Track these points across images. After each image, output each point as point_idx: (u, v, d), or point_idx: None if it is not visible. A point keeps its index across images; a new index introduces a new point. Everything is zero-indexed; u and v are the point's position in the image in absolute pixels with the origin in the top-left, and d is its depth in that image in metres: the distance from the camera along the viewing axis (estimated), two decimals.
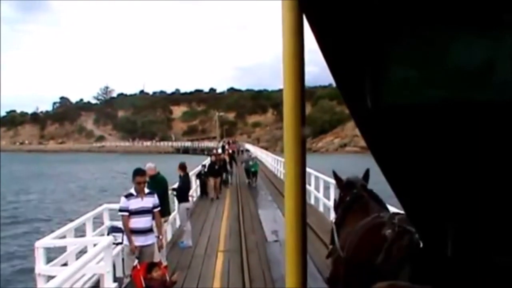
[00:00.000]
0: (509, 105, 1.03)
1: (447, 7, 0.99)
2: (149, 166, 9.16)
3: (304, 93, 1.36)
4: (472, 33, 1.01)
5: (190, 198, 12.33)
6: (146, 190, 7.24)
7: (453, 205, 1.34)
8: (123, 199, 7.13)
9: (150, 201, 7.21)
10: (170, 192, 11.05)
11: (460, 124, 1.15)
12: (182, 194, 11.53)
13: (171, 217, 12.00)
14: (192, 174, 17.44)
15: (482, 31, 1.00)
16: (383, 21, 1.04)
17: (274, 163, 32.53)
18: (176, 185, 11.69)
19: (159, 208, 7.43)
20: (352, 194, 4.66)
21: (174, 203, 11.69)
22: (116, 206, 8.45)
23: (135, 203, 7.02)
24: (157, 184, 8.92)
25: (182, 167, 11.85)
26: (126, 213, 6.99)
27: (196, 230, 12.48)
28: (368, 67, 1.10)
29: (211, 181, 19.47)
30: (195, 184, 18.56)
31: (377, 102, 1.11)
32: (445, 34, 1.03)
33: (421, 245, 2.64)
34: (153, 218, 7.31)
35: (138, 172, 7.23)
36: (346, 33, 1.08)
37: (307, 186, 14.18)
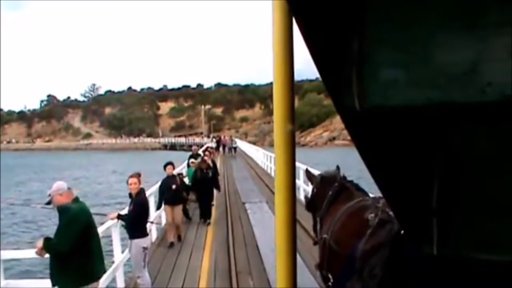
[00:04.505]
0: (494, 106, 1.03)
1: (433, 7, 1.01)
2: (58, 187, 5.17)
3: (293, 91, 1.45)
4: (457, 34, 1.02)
5: (149, 230, 8.29)
6: None
7: (438, 204, 1.35)
8: None
9: None
10: (113, 222, 7.39)
11: (446, 125, 1.16)
12: (136, 224, 7.12)
13: (122, 259, 7.96)
14: (151, 192, 11.06)
15: (468, 32, 1.01)
16: (370, 22, 1.06)
17: (267, 160, 27.40)
18: (125, 210, 7.65)
19: None
20: (334, 187, 4.63)
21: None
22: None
23: None
24: (74, 221, 4.97)
25: (134, 180, 7.22)
26: None
27: (162, 276, 8.16)
28: (355, 68, 1.10)
29: (168, 213, 11.16)
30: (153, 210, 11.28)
31: (364, 103, 1.11)
32: (431, 35, 1.04)
33: (406, 241, 2.64)
34: None
35: None
36: (333, 34, 1.09)
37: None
